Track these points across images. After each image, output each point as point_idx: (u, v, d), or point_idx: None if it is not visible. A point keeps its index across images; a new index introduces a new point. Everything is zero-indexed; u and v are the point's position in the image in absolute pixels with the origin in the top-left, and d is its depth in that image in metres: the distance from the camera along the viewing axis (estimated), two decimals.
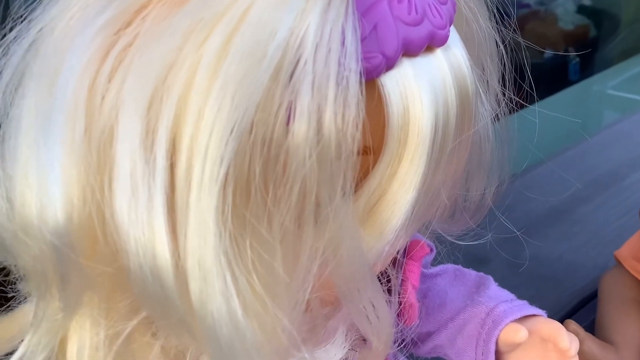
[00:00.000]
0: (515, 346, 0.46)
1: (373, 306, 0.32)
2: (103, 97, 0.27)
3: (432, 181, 0.32)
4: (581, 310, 0.79)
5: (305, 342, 0.31)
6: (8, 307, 0.37)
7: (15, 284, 0.36)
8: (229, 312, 0.27)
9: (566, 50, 2.22)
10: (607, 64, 2.25)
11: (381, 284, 0.38)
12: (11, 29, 0.30)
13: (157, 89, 0.26)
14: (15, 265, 0.32)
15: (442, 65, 0.31)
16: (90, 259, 0.28)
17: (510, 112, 0.45)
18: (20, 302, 0.37)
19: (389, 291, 0.38)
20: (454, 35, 0.33)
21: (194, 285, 0.26)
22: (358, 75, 0.27)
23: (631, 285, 0.72)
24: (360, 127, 0.27)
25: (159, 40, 0.27)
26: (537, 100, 0.46)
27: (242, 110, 0.26)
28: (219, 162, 0.26)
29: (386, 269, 0.38)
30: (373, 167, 0.31)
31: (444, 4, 0.32)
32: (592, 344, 0.66)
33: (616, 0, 2.40)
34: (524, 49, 0.44)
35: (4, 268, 0.37)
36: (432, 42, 0.31)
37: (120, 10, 0.27)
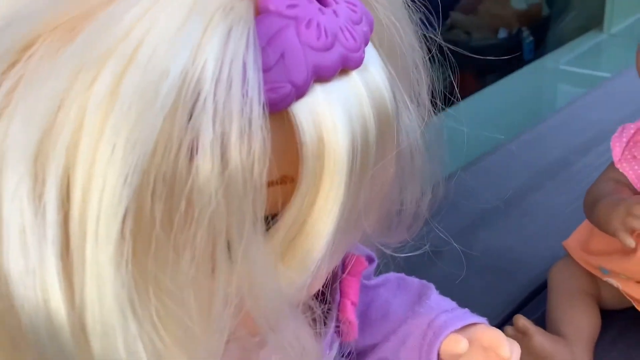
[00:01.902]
0: (457, 356, 0.46)
1: (298, 340, 0.31)
2: None
3: (354, 207, 0.31)
4: (532, 302, 0.79)
5: None
6: None
7: None
8: None
9: (520, 30, 2.24)
10: (560, 42, 2.28)
11: (319, 303, 0.37)
12: None
13: (44, 136, 0.25)
14: None
15: (357, 88, 0.30)
16: None
17: (459, 100, 0.44)
18: None
19: (314, 319, 0.37)
20: (371, 54, 0.32)
21: (95, 342, 0.25)
22: (261, 109, 0.26)
23: (580, 276, 0.73)
24: (267, 160, 0.26)
25: (44, 82, 0.25)
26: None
27: (137, 154, 0.24)
28: (114, 210, 0.24)
29: (316, 297, 0.37)
30: (290, 198, 0.30)
31: (357, 24, 0.31)
32: (543, 338, 0.66)
33: None
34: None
35: None
36: (346, 66, 0.30)
37: (2, 51, 0.26)
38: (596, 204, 0.65)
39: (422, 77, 0.39)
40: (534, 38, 2.27)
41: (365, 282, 0.50)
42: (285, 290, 0.30)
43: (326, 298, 0.40)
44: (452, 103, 0.44)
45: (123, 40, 0.25)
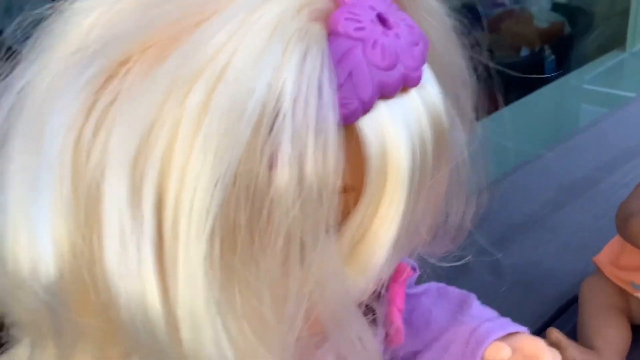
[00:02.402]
0: None
1: (360, 339, 0.33)
2: (88, 155, 0.28)
3: (412, 217, 0.33)
4: (562, 316, 0.80)
5: None
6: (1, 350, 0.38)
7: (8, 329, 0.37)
8: (222, 359, 0.28)
9: (542, 49, 2.25)
10: (583, 60, 2.28)
11: (369, 311, 0.39)
12: None
13: (141, 146, 0.27)
14: (9, 314, 0.33)
15: (416, 104, 0.33)
16: (82, 312, 0.28)
17: (487, 114, 0.46)
18: (12, 345, 0.37)
19: (374, 320, 0.39)
20: (427, 73, 0.34)
21: (186, 334, 0.27)
22: (336, 124, 0.28)
23: (611, 291, 0.74)
24: (340, 172, 0.29)
25: (141, 97, 0.27)
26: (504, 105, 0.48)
27: (225, 164, 0.27)
28: (205, 214, 0.27)
29: (376, 298, 0.39)
30: (354, 206, 0.32)
31: (416, 45, 0.33)
32: (575, 351, 0.67)
33: None
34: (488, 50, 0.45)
35: None
36: (406, 84, 0.32)
37: (100, 69, 0.28)
38: (629, 220, 0.67)
39: (467, 94, 0.42)
40: (555, 56, 2.27)
41: (408, 290, 0.51)
42: (350, 292, 0.32)
43: (381, 305, 0.42)
44: (477, 118, 0.46)
45: (212, 61, 0.27)
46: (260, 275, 0.28)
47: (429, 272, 0.52)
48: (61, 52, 0.29)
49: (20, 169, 0.28)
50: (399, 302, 0.45)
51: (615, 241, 0.75)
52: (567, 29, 2.33)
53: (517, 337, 0.48)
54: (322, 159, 0.28)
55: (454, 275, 0.57)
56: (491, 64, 0.44)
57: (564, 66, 2.28)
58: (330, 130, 0.28)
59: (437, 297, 0.53)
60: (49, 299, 0.27)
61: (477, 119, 0.45)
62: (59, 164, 0.27)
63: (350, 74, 0.30)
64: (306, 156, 0.28)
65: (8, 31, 0.32)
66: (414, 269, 0.51)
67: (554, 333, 0.67)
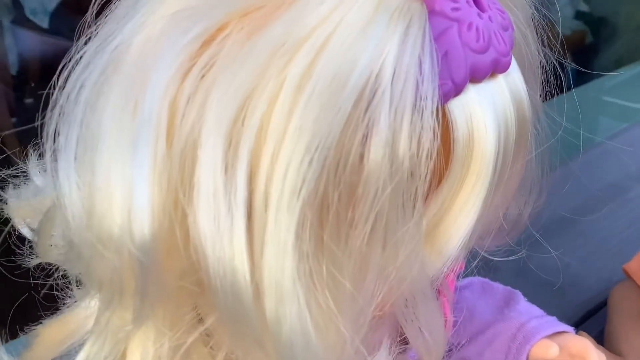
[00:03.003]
0: None
1: (429, 324, 0.33)
2: (184, 117, 0.27)
3: (491, 204, 0.32)
4: (588, 321, 0.80)
5: None
6: (54, 309, 0.38)
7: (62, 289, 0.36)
8: (303, 332, 0.27)
9: (563, 56, 2.24)
10: (603, 71, 2.27)
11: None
12: (86, 43, 0.30)
13: (240, 110, 0.27)
14: (79, 274, 0.32)
15: (503, 91, 0.32)
16: (170, 273, 0.28)
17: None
18: (68, 306, 0.37)
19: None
20: (512, 61, 0.34)
21: (270, 305, 0.27)
22: (434, 103, 0.28)
23: None
24: (434, 154, 0.28)
25: (241, 62, 0.27)
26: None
27: (324, 135, 0.26)
28: (299, 186, 0.26)
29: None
30: (437, 189, 0.31)
31: (507, 30, 0.33)
32: (603, 356, 0.67)
33: (613, 8, 2.41)
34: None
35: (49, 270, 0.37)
36: (496, 69, 0.32)
37: (201, 30, 0.28)
38: None
39: (537, 87, 0.41)
40: (576, 65, 2.26)
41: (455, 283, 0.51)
42: (427, 274, 0.31)
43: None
44: None
45: (316, 29, 0.27)
46: (346, 251, 0.28)
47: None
48: (161, 13, 0.29)
49: (115, 126, 0.27)
50: (449, 293, 0.45)
51: None
52: (589, 38, 2.32)
53: (564, 336, 0.48)
54: (417, 138, 0.28)
55: (481, 274, 0.57)
56: (565, 62, 0.44)
57: (584, 75, 2.27)
58: (428, 110, 0.28)
59: (482, 291, 0.52)
60: (141, 255, 0.27)
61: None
62: (156, 123, 0.27)
63: (445, 54, 0.30)
64: (401, 135, 0.27)
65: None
66: (462, 261, 0.50)
67: (583, 336, 0.66)
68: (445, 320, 0.45)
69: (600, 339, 0.75)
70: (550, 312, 0.82)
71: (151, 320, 0.30)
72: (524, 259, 0.60)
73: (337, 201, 0.27)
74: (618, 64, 2.29)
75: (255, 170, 0.27)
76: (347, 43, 0.27)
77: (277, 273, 0.27)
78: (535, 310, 0.51)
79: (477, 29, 0.31)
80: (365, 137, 0.27)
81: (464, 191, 0.31)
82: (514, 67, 0.33)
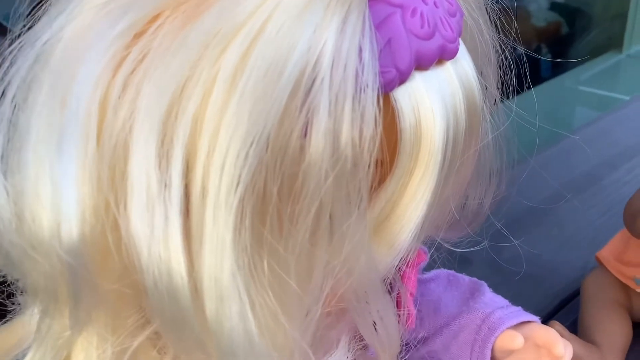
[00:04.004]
0: (510, 352, 0.47)
1: (382, 320, 0.32)
2: (116, 111, 0.26)
3: (442, 195, 0.32)
4: (562, 310, 0.80)
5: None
6: (4, 318, 0.36)
7: (12, 296, 0.35)
8: (245, 331, 0.26)
9: (538, 47, 2.25)
10: (579, 61, 2.28)
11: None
12: (17, 38, 0.29)
13: (173, 104, 0.26)
14: (17, 280, 0.31)
15: (452, 78, 0.31)
16: (103, 276, 0.27)
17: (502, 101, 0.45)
18: (16, 313, 0.36)
19: (398, 302, 0.38)
20: (461, 48, 0.33)
21: (210, 304, 0.26)
22: (375, 92, 0.27)
23: (614, 287, 0.73)
24: (377, 143, 0.27)
25: (174, 54, 0.26)
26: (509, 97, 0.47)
27: (261, 127, 0.25)
28: (236, 180, 0.25)
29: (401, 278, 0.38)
30: (385, 180, 0.31)
31: (453, 16, 0.32)
32: (577, 345, 0.66)
33: None
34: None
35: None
36: (443, 56, 0.31)
37: (132, 22, 0.27)
38: (637, 216, 0.66)
39: (494, 74, 0.41)
40: (552, 56, 2.27)
41: (418, 276, 0.50)
42: (377, 268, 0.30)
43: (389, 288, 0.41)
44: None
45: (252, 16, 0.26)
46: (289, 246, 0.27)
47: (433, 261, 0.52)
48: (90, 5, 0.28)
49: (44, 125, 0.26)
50: (411, 286, 0.44)
51: (619, 237, 0.74)
52: (564, 29, 2.33)
53: (530, 326, 0.47)
54: (359, 129, 0.27)
55: (456, 266, 0.56)
56: (522, 49, 0.43)
57: (559, 66, 2.28)
58: (369, 98, 0.27)
59: (447, 284, 0.52)
60: (70, 259, 0.26)
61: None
62: (85, 120, 0.26)
63: (389, 41, 0.29)
64: (342, 125, 0.26)
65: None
66: (424, 254, 0.50)
67: (556, 325, 0.66)
68: (409, 314, 0.44)
69: (575, 327, 0.74)
70: (524, 302, 0.82)
71: (91, 326, 0.29)
72: (497, 251, 0.60)
73: (277, 195, 0.26)
74: (594, 54, 2.30)
75: (190, 166, 0.26)
76: (282, 31, 0.26)
77: (216, 271, 0.26)
78: (500, 300, 0.50)
79: (421, 15, 0.30)
80: (305, 128, 0.26)
81: (413, 182, 0.30)
82: (463, 53, 0.33)
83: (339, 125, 0.26)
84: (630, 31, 2.31)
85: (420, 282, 0.51)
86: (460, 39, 0.33)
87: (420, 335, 0.49)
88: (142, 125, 0.25)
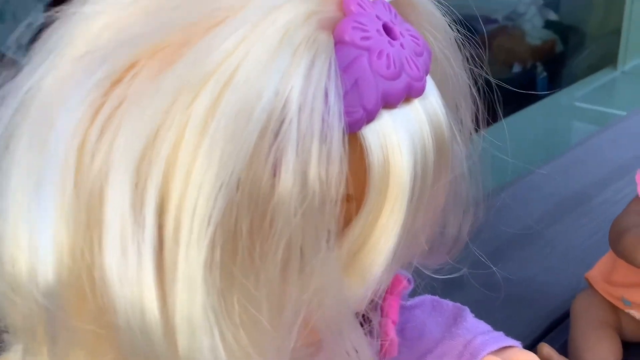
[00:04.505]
0: None
1: (356, 350, 0.33)
2: (92, 157, 0.27)
3: (412, 227, 0.33)
4: (553, 331, 0.80)
5: None
6: None
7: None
8: None
9: (534, 66, 2.26)
10: (574, 78, 2.30)
11: (363, 324, 0.39)
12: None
13: (146, 150, 0.27)
14: (1, 320, 0.32)
15: (419, 115, 0.33)
16: (79, 317, 0.28)
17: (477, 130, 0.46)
18: (3, 349, 0.37)
19: (371, 332, 0.39)
20: (429, 84, 0.34)
21: (182, 341, 0.27)
22: (341, 132, 0.28)
23: (603, 307, 0.74)
24: (343, 180, 0.28)
25: (148, 101, 0.27)
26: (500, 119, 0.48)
27: (230, 169, 0.26)
28: (207, 220, 0.26)
29: (374, 309, 0.39)
30: (355, 216, 0.32)
31: (420, 55, 0.33)
32: None
33: (582, 16, 2.45)
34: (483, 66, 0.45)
35: None
36: (410, 94, 0.32)
37: (109, 72, 0.28)
38: (622, 236, 0.67)
39: (467, 107, 0.42)
40: (547, 74, 2.29)
41: (402, 302, 0.51)
42: (349, 301, 0.31)
43: (379, 316, 0.42)
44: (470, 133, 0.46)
45: (221, 65, 0.27)
46: (259, 283, 0.28)
47: (423, 285, 0.52)
48: (69, 55, 0.29)
49: (23, 171, 0.27)
50: (393, 314, 0.45)
51: (608, 257, 0.75)
52: (559, 47, 2.35)
53: (511, 351, 0.48)
54: (325, 167, 0.28)
55: (447, 289, 0.57)
56: (492, 80, 0.44)
57: (555, 83, 2.29)
58: (335, 138, 0.28)
59: (432, 310, 0.52)
60: (46, 302, 0.27)
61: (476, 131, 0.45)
62: (63, 167, 0.27)
63: (355, 83, 0.30)
64: (310, 163, 0.28)
65: (12, 37, 0.32)
66: (409, 281, 0.51)
67: (545, 348, 0.67)
68: (391, 342, 0.45)
69: (566, 349, 0.75)
70: (516, 324, 0.83)
71: None
72: (488, 274, 0.61)
73: (247, 233, 0.27)
74: (589, 71, 2.31)
75: (164, 208, 0.27)
76: (250, 79, 0.27)
77: (189, 308, 0.27)
78: (483, 326, 0.51)
79: (387, 57, 0.31)
80: (274, 167, 0.27)
81: (383, 216, 0.31)
82: (431, 90, 0.34)
83: (307, 164, 0.28)
84: (625, 48, 2.33)
85: (405, 309, 0.52)
86: (429, 76, 0.35)
87: None
88: (117, 169, 0.27)
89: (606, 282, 0.74)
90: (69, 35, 0.30)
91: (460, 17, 0.41)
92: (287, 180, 0.27)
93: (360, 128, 0.30)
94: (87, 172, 0.27)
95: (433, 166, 0.33)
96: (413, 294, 0.56)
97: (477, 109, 0.44)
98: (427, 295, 0.54)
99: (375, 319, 0.36)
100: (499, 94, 0.48)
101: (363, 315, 0.40)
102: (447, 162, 0.35)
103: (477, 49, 0.44)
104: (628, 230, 0.67)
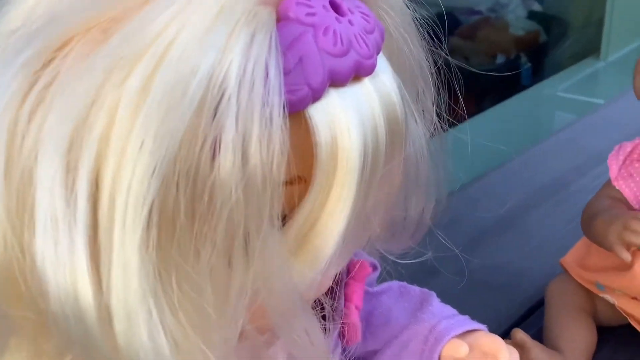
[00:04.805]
0: None
1: (307, 334, 0.32)
2: (23, 138, 0.26)
3: (363, 208, 0.32)
4: (529, 318, 0.80)
5: None
6: None
7: None
8: (156, 352, 0.27)
9: (518, 56, 2.27)
10: (557, 68, 2.30)
11: (323, 308, 0.38)
12: None
13: (78, 129, 0.26)
14: None
15: (369, 94, 0.32)
16: (14, 305, 0.27)
17: (460, 121, 0.46)
18: None
19: (325, 316, 0.38)
20: (382, 63, 0.33)
21: (119, 325, 0.26)
22: (281, 109, 0.28)
23: (577, 293, 0.74)
24: (285, 159, 0.28)
25: (79, 79, 0.26)
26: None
27: (165, 148, 0.26)
28: (142, 200, 0.26)
29: (326, 294, 0.38)
30: (304, 197, 0.31)
31: (371, 33, 0.33)
32: (540, 352, 0.67)
33: (565, 7, 2.45)
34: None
35: None
36: (359, 72, 0.31)
37: (40, 49, 0.27)
38: (593, 220, 0.67)
39: (428, 89, 0.41)
40: (531, 64, 2.29)
41: (369, 289, 0.51)
42: (297, 285, 0.31)
43: (333, 301, 0.42)
44: (453, 124, 0.45)
45: (155, 41, 0.26)
46: (200, 265, 0.27)
47: (394, 272, 0.52)
48: (2, 30, 0.28)
49: None
50: (357, 299, 0.44)
51: (582, 243, 0.75)
52: (543, 37, 2.35)
53: (476, 335, 0.48)
54: (266, 145, 0.27)
55: (422, 277, 0.56)
56: (473, 69, 0.44)
57: (539, 74, 2.30)
58: (276, 116, 0.27)
59: (399, 295, 0.52)
60: None
61: (456, 122, 0.45)
62: None
63: (300, 60, 0.29)
64: (250, 141, 0.27)
65: None
66: (374, 267, 0.50)
67: (519, 333, 0.67)
68: (355, 327, 0.44)
69: (542, 335, 0.75)
70: (492, 311, 0.83)
71: (13, 354, 0.29)
72: (465, 260, 0.60)
73: (184, 214, 0.27)
74: (572, 61, 2.32)
75: (97, 189, 0.26)
76: (186, 54, 0.26)
77: (125, 294, 0.26)
78: (448, 310, 0.50)
79: (334, 33, 0.31)
80: (214, 147, 0.27)
81: (332, 197, 0.31)
82: (383, 69, 0.33)
83: (247, 142, 0.27)
84: (607, 38, 2.33)
85: (373, 295, 0.52)
86: (382, 54, 0.34)
87: (371, 348, 0.50)
88: (47, 150, 0.26)
89: (580, 267, 0.74)
90: (3, 8, 0.29)
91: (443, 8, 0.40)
92: (226, 158, 0.27)
93: (306, 107, 0.30)
94: (17, 154, 0.26)
95: (385, 146, 0.32)
96: (384, 280, 0.56)
97: (438, 92, 0.43)
98: (394, 281, 0.53)
99: (328, 303, 0.35)
100: (476, 86, 0.47)
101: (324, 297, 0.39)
102: (401, 142, 0.34)
103: (441, 30, 0.43)
104: (599, 214, 0.66)
